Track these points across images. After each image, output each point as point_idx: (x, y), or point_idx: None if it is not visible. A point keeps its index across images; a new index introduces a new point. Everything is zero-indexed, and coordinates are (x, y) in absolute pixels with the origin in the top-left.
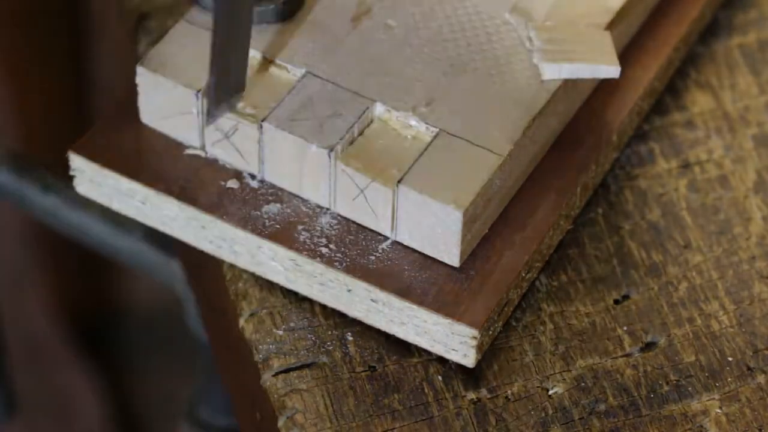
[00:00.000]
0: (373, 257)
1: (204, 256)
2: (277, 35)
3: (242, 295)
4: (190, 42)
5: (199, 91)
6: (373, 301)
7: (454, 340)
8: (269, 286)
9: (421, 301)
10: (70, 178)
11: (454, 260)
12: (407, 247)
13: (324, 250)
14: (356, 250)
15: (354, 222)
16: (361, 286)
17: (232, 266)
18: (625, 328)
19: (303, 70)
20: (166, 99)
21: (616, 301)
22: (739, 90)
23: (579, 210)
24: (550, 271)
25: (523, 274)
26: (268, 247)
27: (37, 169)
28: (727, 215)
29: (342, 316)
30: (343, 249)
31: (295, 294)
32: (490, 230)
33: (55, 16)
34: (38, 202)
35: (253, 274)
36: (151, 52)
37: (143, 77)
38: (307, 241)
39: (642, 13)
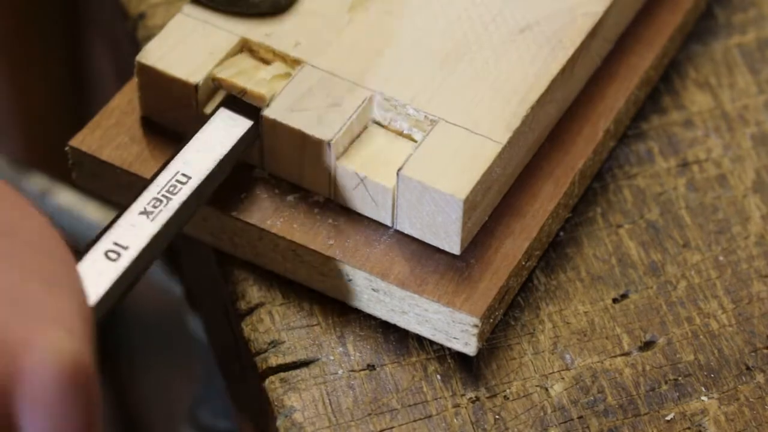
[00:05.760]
0: (373, 247)
1: (202, 257)
2: (275, 26)
3: (241, 294)
4: (188, 35)
5: (197, 83)
6: (374, 290)
7: (455, 329)
8: (268, 285)
9: (422, 290)
10: (70, 171)
11: (454, 248)
12: (408, 236)
13: (324, 240)
14: (357, 239)
15: (354, 212)
16: (361, 276)
17: (230, 266)
18: (623, 327)
19: (301, 61)
20: (165, 92)
21: (615, 300)
22: (737, 89)
23: (578, 198)
24: (548, 270)
25: (523, 262)
26: (269, 238)
27: (34, 174)
28: (726, 214)
29: (340, 315)
30: (343, 239)
31: (294, 293)
32: (490, 218)
33: (54, 16)
34: (37, 207)
35: (251, 274)
36: (149, 46)
37: (142, 70)
38: (308, 231)
39: (637, 2)
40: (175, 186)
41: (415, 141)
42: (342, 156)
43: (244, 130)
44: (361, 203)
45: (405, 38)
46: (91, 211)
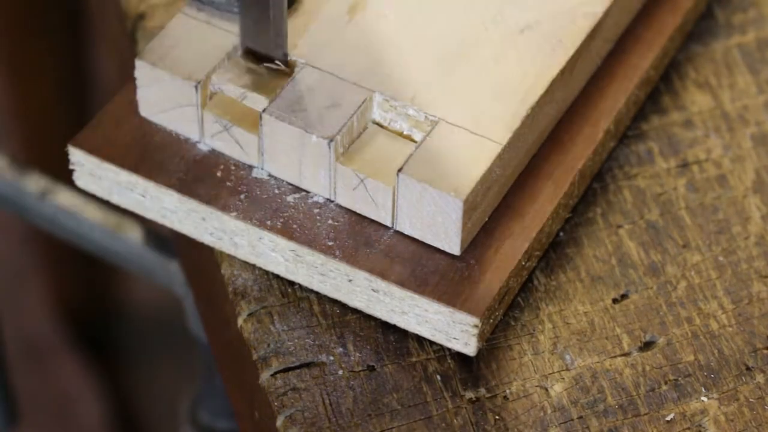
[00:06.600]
0: (373, 247)
1: (202, 257)
2: None
3: (241, 294)
4: (188, 35)
5: (198, 83)
6: (374, 290)
7: (455, 329)
8: (268, 285)
9: (422, 290)
10: (70, 171)
11: (454, 249)
12: (408, 237)
13: (324, 240)
14: (357, 240)
15: (354, 212)
16: (361, 276)
17: (230, 266)
18: (623, 327)
19: (301, 62)
20: (165, 92)
21: (615, 301)
22: (737, 89)
23: (578, 199)
24: (548, 270)
25: (523, 263)
26: (269, 238)
27: (34, 175)
28: (726, 215)
29: (340, 315)
30: (343, 239)
31: (294, 293)
32: (490, 218)
33: (55, 17)
34: (36, 208)
35: (251, 274)
36: (149, 45)
37: (142, 70)
38: (308, 231)
39: (637, 2)
40: None
41: (415, 141)
42: (342, 156)
43: None
44: (361, 203)
45: (405, 38)
46: (91, 211)
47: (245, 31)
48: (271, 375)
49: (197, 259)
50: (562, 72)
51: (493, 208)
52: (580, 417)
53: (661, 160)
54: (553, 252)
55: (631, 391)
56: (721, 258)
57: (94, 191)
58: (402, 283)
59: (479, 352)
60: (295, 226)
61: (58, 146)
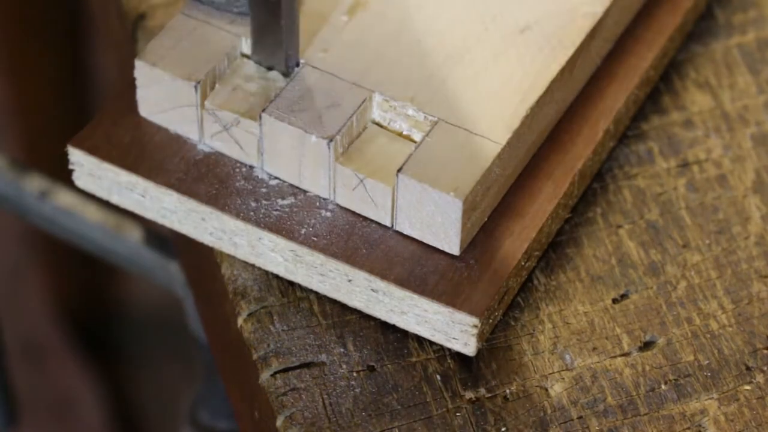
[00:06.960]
0: (373, 247)
1: (202, 257)
2: None
3: (241, 294)
4: (187, 35)
5: (198, 83)
6: (373, 290)
7: (454, 329)
8: (268, 285)
9: (421, 290)
10: (70, 172)
11: (454, 249)
12: (407, 237)
13: (324, 240)
14: (356, 240)
15: (354, 212)
16: (361, 276)
17: (230, 266)
18: (623, 327)
19: (301, 62)
20: (165, 92)
21: (615, 301)
22: (738, 89)
23: (577, 198)
24: (548, 270)
25: (523, 263)
26: (269, 239)
27: (34, 175)
28: (726, 214)
29: (340, 315)
30: (343, 239)
31: (294, 293)
32: (490, 219)
33: (55, 16)
34: (36, 208)
35: (251, 274)
36: (149, 46)
37: (142, 71)
38: (307, 231)
39: (637, 2)
40: None
41: (415, 141)
42: (341, 156)
43: None
44: (360, 203)
45: (404, 39)
46: (91, 212)
47: (256, 48)
48: (271, 375)
49: (197, 259)
50: (562, 72)
51: (493, 208)
52: (580, 417)
53: (661, 160)
54: (553, 252)
55: (631, 391)
56: (721, 258)
57: (93, 191)
58: (401, 283)
59: (479, 352)
60: (294, 226)
61: (58, 146)
